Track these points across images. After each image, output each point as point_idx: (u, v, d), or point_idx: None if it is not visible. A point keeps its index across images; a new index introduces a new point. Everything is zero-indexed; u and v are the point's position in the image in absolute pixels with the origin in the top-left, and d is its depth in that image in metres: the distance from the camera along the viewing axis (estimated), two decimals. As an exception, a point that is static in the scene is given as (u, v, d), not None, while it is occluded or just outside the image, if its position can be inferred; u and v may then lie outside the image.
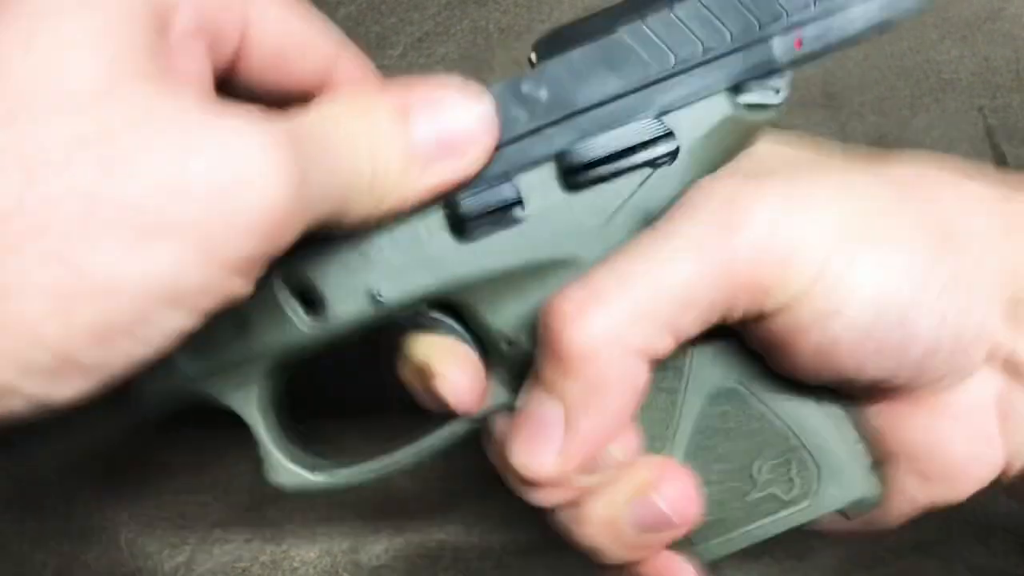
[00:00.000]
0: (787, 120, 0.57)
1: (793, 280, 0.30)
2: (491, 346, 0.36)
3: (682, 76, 0.34)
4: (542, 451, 0.32)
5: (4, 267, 0.22)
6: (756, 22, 0.33)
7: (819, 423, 0.36)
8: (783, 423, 0.35)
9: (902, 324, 0.30)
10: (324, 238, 0.32)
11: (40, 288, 0.22)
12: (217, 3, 0.28)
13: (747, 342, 0.34)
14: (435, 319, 0.37)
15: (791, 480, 0.36)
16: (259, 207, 0.24)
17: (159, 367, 0.30)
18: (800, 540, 0.55)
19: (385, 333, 0.37)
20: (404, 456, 0.37)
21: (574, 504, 0.34)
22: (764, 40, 0.33)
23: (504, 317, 0.35)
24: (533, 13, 0.57)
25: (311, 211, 0.26)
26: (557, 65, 0.34)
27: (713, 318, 0.31)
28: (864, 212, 0.31)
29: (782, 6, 0.33)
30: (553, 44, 0.34)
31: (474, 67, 0.58)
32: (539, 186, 0.34)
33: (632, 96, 0.34)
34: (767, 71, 0.34)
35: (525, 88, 0.34)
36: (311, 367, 0.36)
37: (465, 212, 0.33)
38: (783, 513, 0.36)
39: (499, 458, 0.35)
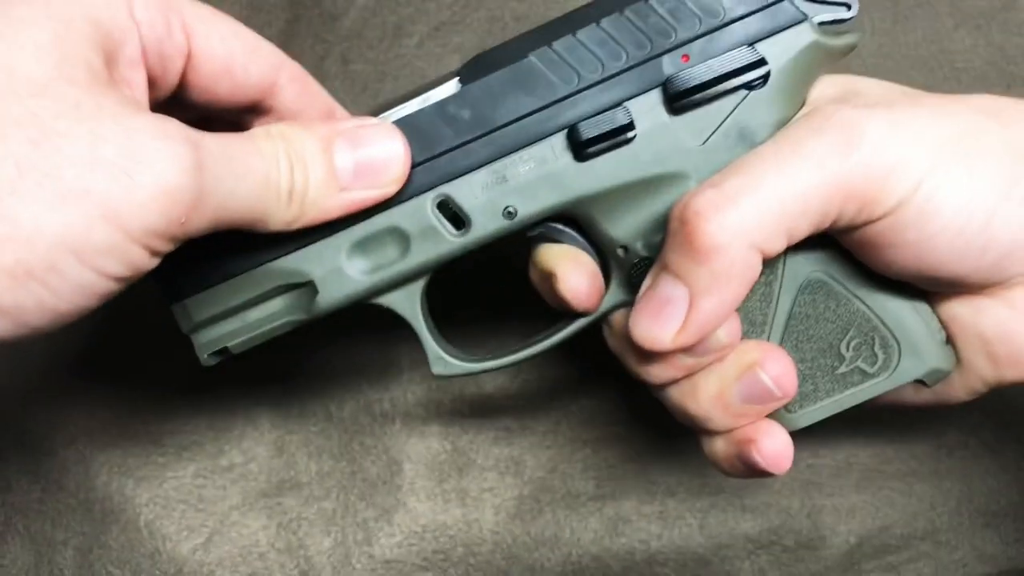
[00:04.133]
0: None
1: (897, 189, 0.35)
2: (609, 252, 0.41)
3: (586, 92, 0.38)
4: (665, 326, 0.37)
5: None
6: (648, 42, 0.38)
7: (898, 306, 0.40)
8: (866, 306, 0.40)
9: (987, 227, 0.35)
10: (466, 170, 0.39)
11: None
12: (162, 34, 0.35)
13: (842, 243, 0.39)
14: (560, 230, 0.42)
15: (875, 355, 0.40)
16: (154, 186, 0.29)
17: (338, 279, 0.40)
18: (812, 529, 0.55)
19: (518, 246, 0.42)
20: (539, 347, 0.43)
21: (686, 381, 0.40)
22: (655, 58, 0.38)
23: (619, 227, 0.40)
24: (548, 2, 0.57)
25: (218, 205, 0.32)
26: (478, 88, 0.39)
27: (823, 224, 0.36)
28: (956, 133, 0.36)
29: (671, 26, 0.38)
30: (475, 69, 0.39)
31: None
32: (647, 111, 0.38)
33: (543, 112, 0.38)
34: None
35: (451, 109, 0.39)
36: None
37: (584, 135, 0.38)
38: (868, 383, 0.41)
39: (619, 345, 0.42)
